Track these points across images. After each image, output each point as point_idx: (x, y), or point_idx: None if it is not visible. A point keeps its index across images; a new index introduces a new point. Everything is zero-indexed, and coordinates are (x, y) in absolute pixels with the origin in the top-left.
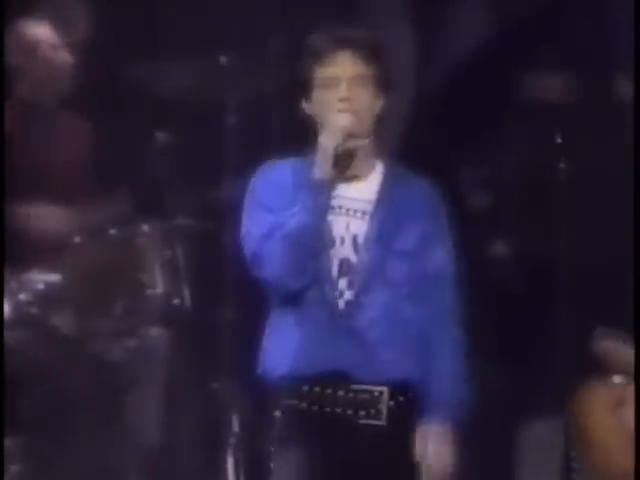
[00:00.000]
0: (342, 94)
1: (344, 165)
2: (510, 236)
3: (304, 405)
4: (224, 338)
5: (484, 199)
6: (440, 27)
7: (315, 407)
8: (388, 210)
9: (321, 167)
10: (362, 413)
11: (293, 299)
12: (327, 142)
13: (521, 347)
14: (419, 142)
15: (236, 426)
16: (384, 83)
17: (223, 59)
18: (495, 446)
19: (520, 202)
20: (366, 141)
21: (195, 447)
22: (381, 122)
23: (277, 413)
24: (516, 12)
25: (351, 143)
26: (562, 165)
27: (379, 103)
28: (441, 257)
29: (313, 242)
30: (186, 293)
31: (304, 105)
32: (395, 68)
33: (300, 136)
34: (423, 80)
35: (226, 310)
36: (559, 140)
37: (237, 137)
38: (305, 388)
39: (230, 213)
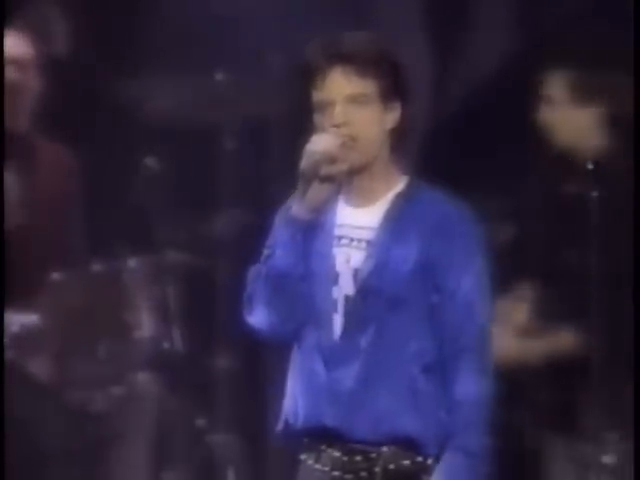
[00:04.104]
0: (336, 119)
1: (333, 194)
2: (538, 271)
3: (310, 462)
4: (219, 385)
5: (509, 231)
6: (461, 44)
7: (312, 463)
8: (390, 236)
9: (296, 201)
10: (349, 477)
11: (292, 345)
12: (301, 170)
13: (554, 388)
14: (436, 169)
15: None
16: (394, 94)
17: (219, 75)
18: None
19: (548, 234)
20: (347, 165)
21: None
22: (400, 135)
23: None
24: (540, 29)
25: (332, 169)
26: (594, 193)
27: (390, 116)
28: (459, 286)
29: (293, 285)
30: (177, 336)
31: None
32: (409, 75)
33: None
34: (441, 101)
35: (221, 355)
36: (590, 166)
37: (235, 163)
38: (304, 442)
39: (226, 248)
